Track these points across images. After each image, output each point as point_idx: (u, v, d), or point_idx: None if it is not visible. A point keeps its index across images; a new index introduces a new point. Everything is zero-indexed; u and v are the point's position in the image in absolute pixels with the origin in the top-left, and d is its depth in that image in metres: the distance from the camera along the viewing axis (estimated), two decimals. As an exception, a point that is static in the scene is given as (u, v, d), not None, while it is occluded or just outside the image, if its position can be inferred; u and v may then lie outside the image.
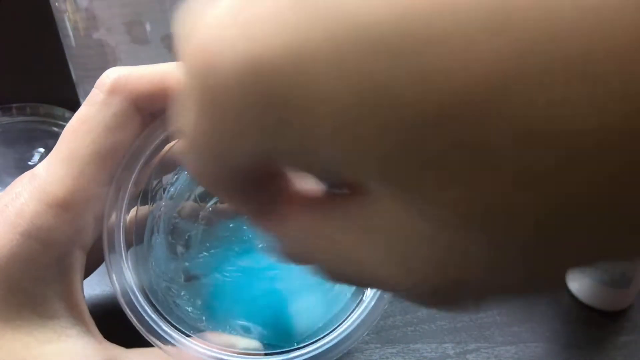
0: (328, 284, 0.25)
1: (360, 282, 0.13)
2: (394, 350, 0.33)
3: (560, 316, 0.36)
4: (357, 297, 0.23)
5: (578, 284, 0.37)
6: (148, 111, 0.22)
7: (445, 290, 0.11)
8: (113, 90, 0.21)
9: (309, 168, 0.12)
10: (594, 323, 0.36)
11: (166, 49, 0.35)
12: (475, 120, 0.08)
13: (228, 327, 0.24)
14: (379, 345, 0.33)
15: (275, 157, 0.11)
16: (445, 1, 0.08)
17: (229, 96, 0.10)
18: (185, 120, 0.12)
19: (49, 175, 0.21)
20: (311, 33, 0.09)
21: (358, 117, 0.09)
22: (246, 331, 0.23)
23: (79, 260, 0.22)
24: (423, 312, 0.35)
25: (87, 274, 0.26)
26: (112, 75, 0.21)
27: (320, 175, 0.13)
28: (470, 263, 0.10)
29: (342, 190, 0.13)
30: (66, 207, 0.21)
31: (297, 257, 0.15)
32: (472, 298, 0.11)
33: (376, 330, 0.34)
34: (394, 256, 0.11)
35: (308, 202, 0.14)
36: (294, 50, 0.09)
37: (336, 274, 0.13)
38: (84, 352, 0.21)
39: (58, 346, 0.20)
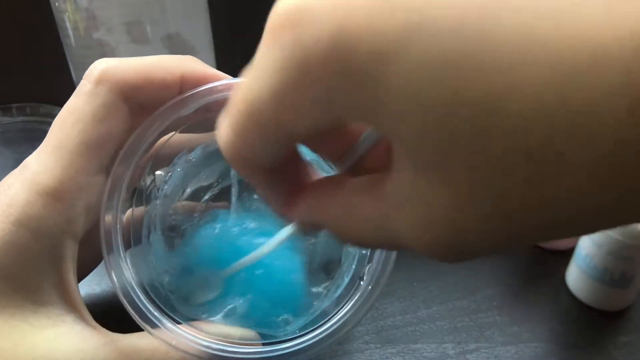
0: (323, 273, 0.25)
1: (388, 244, 0.15)
2: (394, 350, 0.33)
3: (560, 316, 0.36)
4: (354, 283, 0.24)
5: (578, 284, 0.37)
6: (136, 102, 0.22)
7: (453, 247, 0.13)
8: (100, 81, 0.22)
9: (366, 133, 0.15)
10: (594, 323, 0.36)
11: (166, 49, 0.35)
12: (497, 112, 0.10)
13: (225, 318, 0.24)
14: (379, 345, 0.33)
15: (345, 119, 0.13)
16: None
17: (320, 59, 0.12)
18: (259, 84, 0.13)
19: (39, 165, 0.21)
20: (395, 16, 0.11)
21: (415, 96, 0.11)
22: (243, 322, 0.23)
23: (70, 249, 0.22)
24: (423, 312, 0.35)
25: (86, 272, 0.26)
26: (100, 66, 0.22)
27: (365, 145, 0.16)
28: (471, 223, 0.12)
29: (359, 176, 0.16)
30: (56, 196, 0.21)
31: (320, 227, 0.17)
32: (471, 252, 0.13)
33: (376, 330, 0.34)
34: (416, 219, 0.13)
35: (330, 181, 0.17)
36: (380, 29, 0.11)
37: (360, 239, 0.16)
38: (79, 337, 0.21)
39: (54, 331, 0.21)
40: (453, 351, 0.33)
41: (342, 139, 0.17)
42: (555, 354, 0.33)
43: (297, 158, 0.18)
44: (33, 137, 0.46)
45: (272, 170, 0.16)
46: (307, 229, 0.18)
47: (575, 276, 0.37)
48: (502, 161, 0.11)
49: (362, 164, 0.16)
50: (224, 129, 0.15)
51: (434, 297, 0.36)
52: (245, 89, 0.14)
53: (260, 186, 0.17)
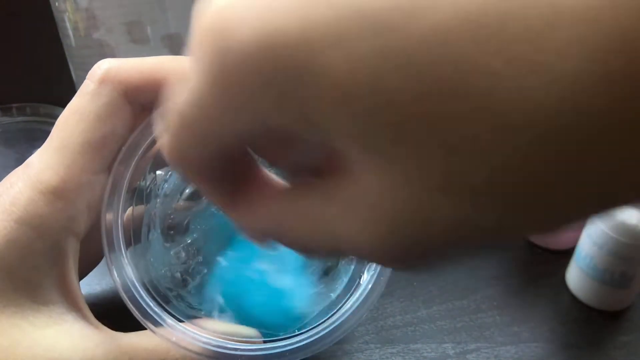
0: (322, 272, 0.25)
1: (335, 251, 0.14)
2: (394, 350, 0.33)
3: (560, 316, 0.36)
4: (354, 282, 0.24)
5: (578, 284, 0.37)
6: (138, 102, 0.22)
7: (415, 250, 0.12)
8: (103, 81, 0.22)
9: (301, 137, 0.13)
10: (594, 323, 0.36)
11: (166, 49, 0.35)
12: (443, 99, 0.10)
13: (226, 316, 0.24)
14: (379, 345, 0.33)
15: (274, 126, 0.12)
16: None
17: (241, 66, 0.11)
18: (187, 92, 0.13)
19: (42, 163, 0.21)
20: (319, 14, 0.10)
21: (352, 92, 0.10)
22: (243, 320, 0.24)
23: (72, 248, 0.22)
24: (423, 312, 0.35)
25: (87, 271, 0.26)
26: (103, 66, 0.22)
27: (304, 152, 0.15)
28: (433, 224, 0.11)
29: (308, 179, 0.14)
30: (59, 194, 0.21)
31: (269, 235, 0.16)
32: (437, 256, 0.13)
33: (376, 330, 0.34)
34: (372, 223, 0.12)
35: (280, 186, 0.16)
36: (303, 28, 0.10)
37: (310, 247, 0.15)
38: (80, 335, 0.21)
39: (54, 330, 0.21)
40: (453, 351, 0.33)
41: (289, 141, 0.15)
42: (555, 354, 0.33)
43: (246, 161, 0.17)
44: (33, 137, 0.46)
45: (213, 173, 0.15)
46: (257, 239, 0.17)
47: (575, 276, 0.37)
48: (451, 145, 0.10)
49: (310, 165, 0.15)
50: (168, 140, 0.14)
51: (434, 297, 0.36)
52: (176, 94, 0.13)
53: (201, 187, 0.16)
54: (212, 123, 0.13)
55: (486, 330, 0.34)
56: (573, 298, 0.37)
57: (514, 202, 0.11)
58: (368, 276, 0.23)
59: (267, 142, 0.15)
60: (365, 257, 0.13)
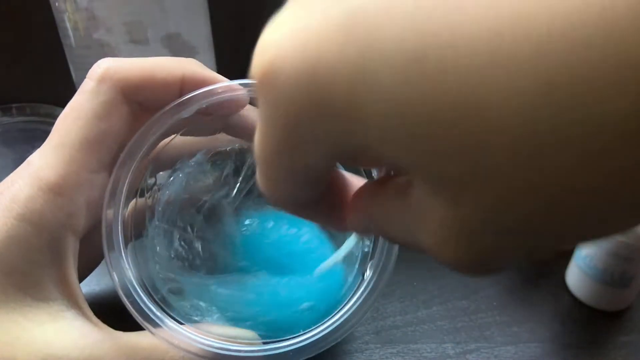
0: (324, 275, 0.25)
1: (407, 245, 0.15)
2: (394, 350, 0.33)
3: (560, 316, 0.36)
4: (358, 279, 0.24)
5: (578, 284, 0.37)
6: (137, 101, 0.23)
7: (473, 263, 0.13)
8: (102, 79, 0.22)
9: (368, 163, 0.15)
10: (594, 323, 0.36)
11: (166, 49, 0.35)
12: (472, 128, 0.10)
13: (226, 320, 0.24)
14: (379, 345, 0.33)
15: (340, 159, 0.14)
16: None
17: (296, 109, 0.12)
18: (263, 136, 0.14)
19: (42, 161, 0.22)
20: (366, 52, 0.11)
21: (398, 122, 0.11)
22: (243, 324, 0.23)
23: (71, 244, 0.22)
24: (423, 312, 0.35)
25: (87, 272, 0.26)
26: (102, 65, 0.22)
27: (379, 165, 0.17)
28: (487, 241, 0.12)
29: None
30: (58, 191, 0.21)
31: (369, 230, 0.17)
32: (495, 265, 0.13)
33: (376, 330, 0.34)
34: (442, 239, 0.13)
35: (371, 186, 0.17)
36: (350, 67, 0.11)
37: (404, 244, 0.16)
38: (79, 333, 0.21)
39: (53, 327, 0.21)
40: (453, 351, 0.33)
41: None
42: (555, 354, 0.33)
43: (339, 175, 0.18)
44: (33, 137, 0.46)
45: (314, 201, 0.17)
46: (363, 234, 0.19)
47: (575, 276, 0.37)
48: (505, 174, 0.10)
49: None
50: (259, 177, 0.16)
51: (434, 297, 0.36)
52: (256, 139, 0.14)
53: (310, 219, 0.18)
54: (297, 160, 0.14)
55: (486, 330, 0.34)
56: (573, 298, 0.37)
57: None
58: (370, 273, 0.23)
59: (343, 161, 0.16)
60: (442, 264, 0.14)
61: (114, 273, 0.21)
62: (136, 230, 0.24)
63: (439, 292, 0.37)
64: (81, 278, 0.24)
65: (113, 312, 0.22)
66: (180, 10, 0.35)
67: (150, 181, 0.25)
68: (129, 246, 0.23)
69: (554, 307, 0.36)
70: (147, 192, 0.25)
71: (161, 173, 0.26)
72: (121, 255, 0.22)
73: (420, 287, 0.37)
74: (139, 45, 0.34)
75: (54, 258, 0.21)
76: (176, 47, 0.35)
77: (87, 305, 0.22)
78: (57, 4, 0.34)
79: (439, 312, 0.35)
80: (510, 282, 0.38)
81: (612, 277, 0.34)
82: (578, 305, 0.36)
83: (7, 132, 0.47)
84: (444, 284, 0.37)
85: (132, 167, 0.22)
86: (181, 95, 0.22)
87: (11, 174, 0.22)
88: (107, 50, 0.34)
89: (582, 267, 0.36)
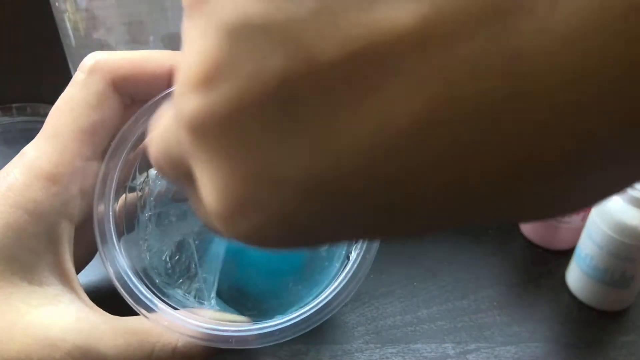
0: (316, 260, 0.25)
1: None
2: (394, 350, 0.33)
3: (560, 316, 0.36)
4: (344, 262, 0.24)
5: (578, 284, 0.37)
6: (127, 93, 0.23)
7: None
8: (92, 71, 0.23)
9: None
10: (594, 323, 0.36)
11: (166, 48, 0.35)
12: None
13: (216, 305, 0.24)
14: (379, 345, 0.33)
15: None
16: None
17: None
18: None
19: (36, 151, 0.22)
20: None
21: None
22: (233, 308, 0.24)
23: (66, 231, 0.23)
24: (423, 312, 0.35)
25: (86, 262, 0.26)
26: (93, 57, 0.23)
27: None
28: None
29: None
30: (53, 179, 0.22)
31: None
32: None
33: (376, 330, 0.34)
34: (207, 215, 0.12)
35: None
36: None
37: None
38: (76, 316, 0.21)
39: (50, 310, 0.21)
40: (453, 351, 0.33)
41: None
42: (555, 354, 0.33)
43: None
44: (33, 137, 0.46)
45: None
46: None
47: (575, 276, 0.37)
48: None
49: None
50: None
51: (434, 297, 0.36)
52: None
53: None
54: None
55: (486, 330, 0.34)
56: (573, 298, 0.37)
57: None
58: (355, 254, 0.23)
59: None
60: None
61: (107, 262, 0.22)
62: (128, 220, 0.24)
63: (439, 292, 0.37)
64: (80, 266, 0.24)
65: (111, 304, 0.22)
66: (180, 10, 0.35)
67: (141, 173, 0.25)
68: (122, 238, 0.23)
69: (554, 307, 0.36)
70: (138, 184, 0.25)
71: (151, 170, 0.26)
72: (114, 245, 0.22)
73: (420, 287, 0.37)
74: (139, 45, 0.34)
75: (50, 244, 0.22)
76: (176, 47, 0.35)
77: (83, 290, 0.23)
78: (57, 4, 0.34)
79: (439, 312, 0.35)
80: (511, 282, 0.38)
81: (612, 277, 0.34)
82: (578, 305, 0.36)
83: (7, 132, 0.47)
84: (444, 284, 0.37)
85: (122, 157, 0.23)
86: (170, 86, 0.23)
87: (6, 166, 0.23)
88: (107, 50, 0.34)
89: (582, 267, 0.36)
